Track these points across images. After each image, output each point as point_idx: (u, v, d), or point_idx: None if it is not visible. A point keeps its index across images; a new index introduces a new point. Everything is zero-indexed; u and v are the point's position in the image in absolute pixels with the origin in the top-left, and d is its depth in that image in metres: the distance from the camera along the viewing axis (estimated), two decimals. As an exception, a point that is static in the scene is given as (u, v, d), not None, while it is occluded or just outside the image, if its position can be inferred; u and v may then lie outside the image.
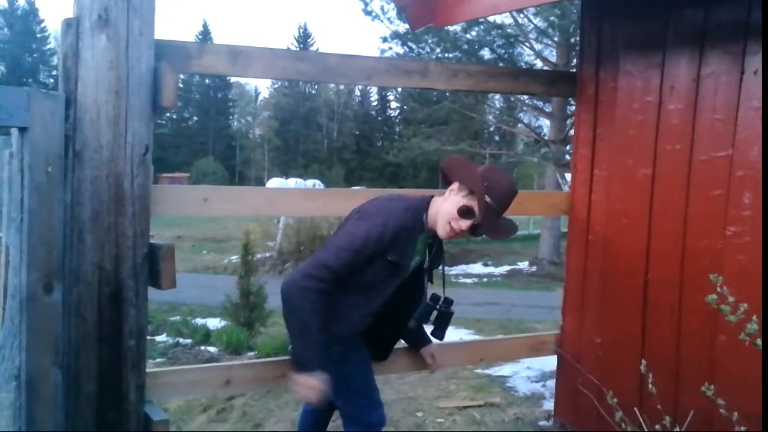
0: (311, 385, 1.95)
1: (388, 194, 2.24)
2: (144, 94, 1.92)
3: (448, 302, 2.30)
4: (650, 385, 1.87)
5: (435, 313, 2.27)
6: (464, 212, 2.00)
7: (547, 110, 14.95)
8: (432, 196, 2.14)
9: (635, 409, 2.15)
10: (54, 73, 43.20)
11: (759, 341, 1.67)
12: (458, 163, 2.15)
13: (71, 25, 1.82)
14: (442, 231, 2.07)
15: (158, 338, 6.12)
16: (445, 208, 2.05)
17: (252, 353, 5.37)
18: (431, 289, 2.30)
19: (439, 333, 2.32)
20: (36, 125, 1.73)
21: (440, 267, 2.30)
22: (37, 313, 1.78)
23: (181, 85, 53.05)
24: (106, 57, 1.83)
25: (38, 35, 47.73)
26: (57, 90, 1.88)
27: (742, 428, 1.71)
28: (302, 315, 1.93)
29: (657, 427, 1.78)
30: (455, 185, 2.07)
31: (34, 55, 47.28)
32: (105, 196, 1.87)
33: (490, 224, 2.01)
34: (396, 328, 2.34)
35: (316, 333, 1.94)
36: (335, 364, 2.09)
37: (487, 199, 1.98)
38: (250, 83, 60.22)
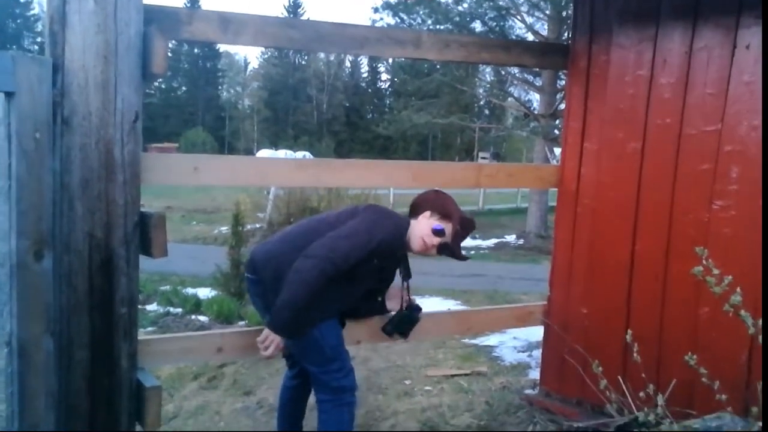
0: (276, 344, 2.16)
1: (386, 208, 2.53)
2: (133, 60, 1.89)
3: (418, 308, 2.56)
4: (635, 354, 1.92)
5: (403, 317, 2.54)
6: (438, 231, 2.36)
7: (537, 84, 14.88)
8: (410, 219, 2.44)
9: (619, 377, 2.20)
10: (39, 39, 42.29)
11: (743, 312, 1.71)
12: (436, 195, 2.47)
13: (58, -12, 1.78)
14: (415, 245, 2.37)
15: (149, 307, 6.13)
16: (420, 227, 2.38)
17: (242, 322, 5.40)
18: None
19: (404, 334, 2.57)
20: (23, 90, 1.71)
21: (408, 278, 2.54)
22: (28, 281, 1.78)
23: (169, 54, 51.89)
24: (94, 21, 1.80)
25: (21, 0, 46.55)
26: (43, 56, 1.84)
27: (723, 396, 1.77)
28: (305, 289, 2.11)
29: (641, 394, 1.82)
30: (427, 213, 2.40)
31: (18, 21, 46.21)
32: (95, 164, 1.85)
33: (455, 245, 2.40)
34: (363, 308, 2.53)
35: (304, 309, 2.14)
36: (309, 332, 2.24)
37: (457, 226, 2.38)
38: (240, 53, 59.39)
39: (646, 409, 1.77)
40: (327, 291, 2.18)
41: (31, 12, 46.64)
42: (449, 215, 2.38)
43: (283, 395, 2.65)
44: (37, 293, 1.80)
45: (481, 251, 13.07)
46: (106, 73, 1.84)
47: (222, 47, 52.16)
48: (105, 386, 1.95)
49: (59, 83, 1.80)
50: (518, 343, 4.38)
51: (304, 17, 53.93)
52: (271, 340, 2.15)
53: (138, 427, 2.06)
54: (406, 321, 2.52)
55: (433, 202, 2.43)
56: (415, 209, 2.45)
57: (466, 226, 2.43)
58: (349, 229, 2.25)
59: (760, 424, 1.60)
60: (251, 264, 2.36)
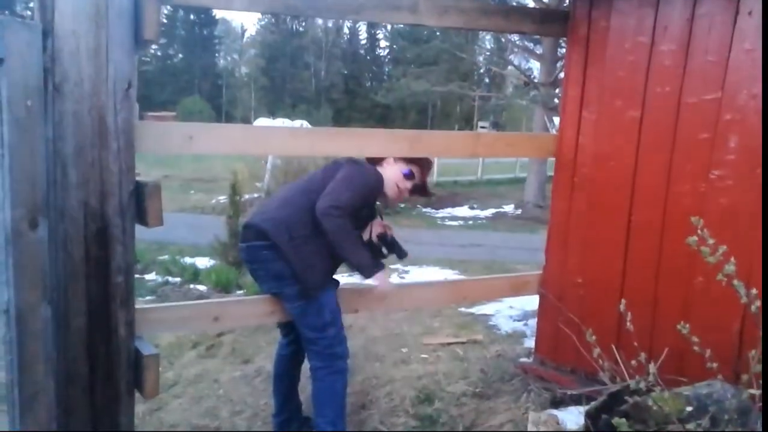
0: (386, 278, 2.43)
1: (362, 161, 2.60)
2: (125, 26, 1.85)
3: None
4: (628, 323, 1.93)
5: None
6: (408, 175, 2.52)
7: (537, 52, 14.72)
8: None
9: (613, 346, 2.22)
10: (31, 4, 41.51)
11: (736, 281, 1.71)
12: None
13: (45, -50, 1.74)
14: (390, 192, 2.51)
15: (147, 277, 6.17)
16: (390, 174, 2.51)
17: (241, 291, 5.44)
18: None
19: (401, 254, 2.62)
20: (12, 56, 1.68)
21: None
22: (23, 249, 1.78)
23: (165, 21, 51.40)
24: (84, -15, 1.76)
25: (12, -36, 45.54)
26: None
27: (714, 365, 1.79)
28: (349, 238, 2.30)
29: (632, 362, 1.84)
30: (390, 159, 2.53)
31: (9, -15, 45.28)
32: (88, 131, 1.83)
33: (424, 184, 2.58)
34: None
35: (361, 246, 2.38)
36: (314, 295, 2.33)
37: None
38: (236, 20, 58.44)
39: (637, 377, 1.79)
40: (323, 243, 2.31)
41: (26, -24, 45.71)
42: (419, 158, 2.54)
43: (277, 364, 2.70)
44: (33, 261, 1.80)
45: (479, 221, 13.11)
46: (98, 38, 1.81)
47: (219, 14, 51.41)
48: (103, 353, 1.97)
49: (50, 49, 1.76)
50: (514, 312, 4.41)
51: (302, -17, 52.83)
52: (386, 285, 2.45)
53: (137, 395, 2.09)
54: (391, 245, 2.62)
55: None
56: (377, 158, 2.56)
57: (426, 164, 2.62)
58: (344, 180, 2.34)
59: (750, 391, 1.62)
60: (260, 232, 2.34)
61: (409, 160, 2.52)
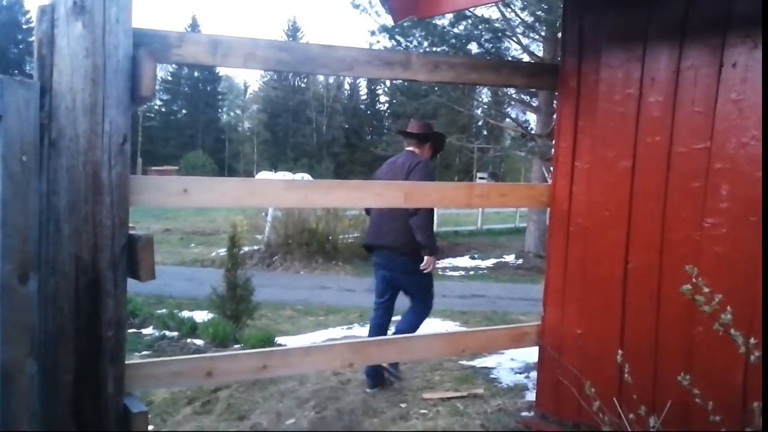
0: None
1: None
2: (121, 83, 1.89)
3: None
4: (626, 375, 1.89)
5: None
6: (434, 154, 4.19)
7: (534, 104, 14.98)
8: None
9: (614, 399, 2.17)
10: (39, 64, 42.50)
11: (733, 331, 1.69)
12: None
13: (46, 12, 1.80)
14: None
15: (145, 331, 6.08)
16: (426, 155, 4.06)
17: (238, 345, 5.36)
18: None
19: None
20: (10, 114, 1.71)
21: None
22: (13, 304, 1.77)
23: (169, 78, 52.63)
24: (82, 44, 1.81)
25: (24, 26, 47.08)
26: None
27: (717, 417, 1.74)
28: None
29: (631, 416, 1.80)
30: (425, 147, 4.06)
31: (20, 46, 46.65)
32: (82, 186, 1.85)
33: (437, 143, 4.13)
34: None
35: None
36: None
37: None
38: (239, 77, 59.91)
39: (639, 430, 1.74)
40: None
41: (33, 37, 47.11)
42: (425, 141, 4.00)
43: (373, 323, 4.03)
44: (21, 316, 1.78)
45: (481, 271, 13.03)
46: (94, 95, 1.85)
47: (222, 71, 52.75)
48: (90, 411, 1.92)
49: (47, 106, 1.80)
50: (516, 365, 4.33)
51: (303, 41, 54.44)
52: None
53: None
54: None
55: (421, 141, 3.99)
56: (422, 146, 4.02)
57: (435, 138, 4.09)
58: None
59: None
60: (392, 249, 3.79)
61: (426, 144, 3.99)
